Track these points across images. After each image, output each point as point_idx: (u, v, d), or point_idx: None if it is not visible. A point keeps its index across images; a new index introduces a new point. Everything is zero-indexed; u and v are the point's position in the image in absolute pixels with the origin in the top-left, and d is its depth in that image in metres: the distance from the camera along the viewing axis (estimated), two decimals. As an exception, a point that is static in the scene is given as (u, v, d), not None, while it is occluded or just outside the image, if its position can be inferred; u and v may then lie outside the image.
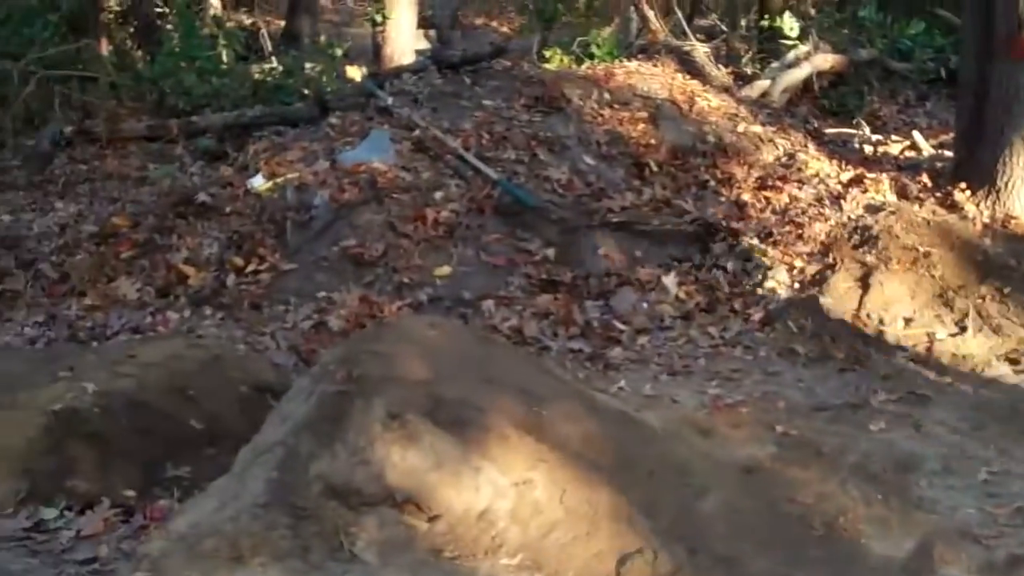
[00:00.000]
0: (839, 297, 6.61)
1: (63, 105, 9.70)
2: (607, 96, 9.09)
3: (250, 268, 6.71)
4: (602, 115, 8.77)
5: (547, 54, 11.78)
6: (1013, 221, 7.40)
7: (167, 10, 12.63)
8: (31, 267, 6.80)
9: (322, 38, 15.25)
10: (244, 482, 3.97)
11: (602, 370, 6.01)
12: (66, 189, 8.19)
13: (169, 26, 12.50)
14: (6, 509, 4.32)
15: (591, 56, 11.29)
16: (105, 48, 11.36)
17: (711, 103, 9.46)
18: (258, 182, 7.46)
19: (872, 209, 7.64)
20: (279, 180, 7.42)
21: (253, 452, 4.13)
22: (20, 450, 4.54)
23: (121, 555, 3.94)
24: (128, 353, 5.18)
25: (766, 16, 12.91)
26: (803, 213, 7.73)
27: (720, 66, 10.83)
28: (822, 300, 6.56)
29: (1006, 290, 6.62)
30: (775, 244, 7.32)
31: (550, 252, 7.01)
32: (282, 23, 17.43)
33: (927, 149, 9.41)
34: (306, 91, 10.43)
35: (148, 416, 4.75)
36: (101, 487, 4.44)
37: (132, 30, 13.63)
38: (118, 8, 13.96)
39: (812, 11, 14.83)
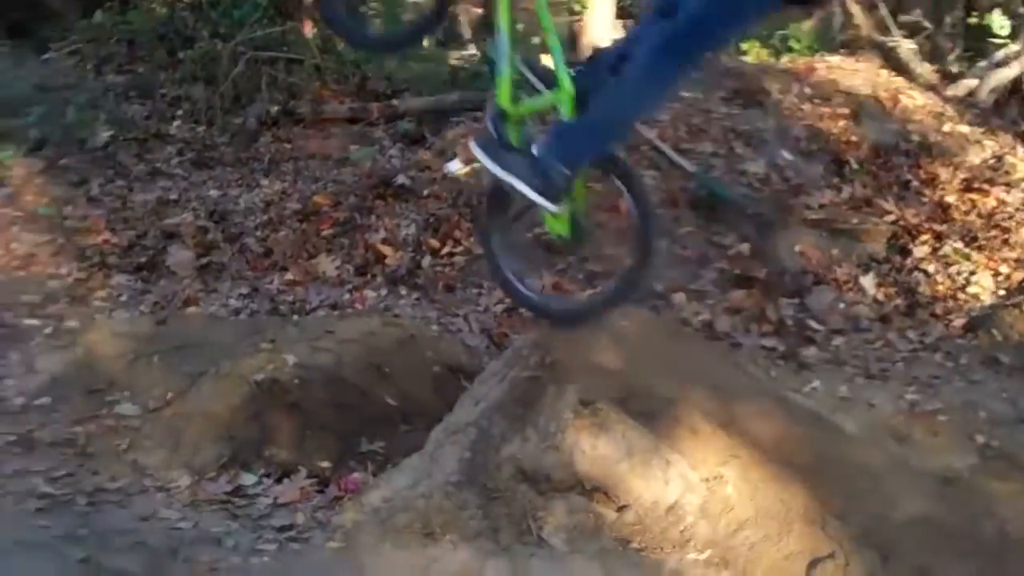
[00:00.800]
0: (1047, 305, 6.35)
1: (269, 86, 9.96)
2: (808, 91, 8.91)
3: (445, 250, 6.80)
4: (802, 110, 8.60)
5: (744, 47, 11.61)
6: None
7: (370, -5, 12.90)
8: (237, 241, 7.02)
9: (519, 26, 15.34)
10: (436, 460, 4.04)
11: (795, 370, 5.90)
12: (271, 167, 8.41)
13: (371, 11, 12.75)
14: (208, 473, 4.50)
15: (790, 50, 11.08)
16: (310, 31, 11.63)
17: (916, 101, 9.17)
18: (455, 166, 7.55)
19: (1086, 215, 7.33)
20: (476, 165, 7.50)
21: (445, 431, 4.19)
22: (223, 417, 4.72)
23: (316, 524, 4.05)
24: (327, 328, 5.32)
25: (973, 13, 12.46)
26: (1010, 218, 7.46)
27: (925, 63, 10.49)
28: (1028, 308, 6.32)
29: None
30: (980, 249, 7.09)
31: (744, 247, 6.89)
32: (480, 11, 17.59)
33: None
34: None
35: (345, 390, 4.88)
36: (298, 457, 4.59)
37: (336, 14, 13.92)
38: (323, -8, 14.29)
39: (1023, 9, 14.25)
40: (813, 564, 3.57)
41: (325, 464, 4.55)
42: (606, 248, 6.79)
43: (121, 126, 8.57)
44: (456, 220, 7.01)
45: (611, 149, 4.12)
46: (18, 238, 7.11)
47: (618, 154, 4.28)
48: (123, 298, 6.41)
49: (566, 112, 4.05)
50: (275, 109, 9.50)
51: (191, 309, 6.16)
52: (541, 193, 3.95)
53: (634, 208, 4.05)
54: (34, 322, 6.09)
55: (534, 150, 4.00)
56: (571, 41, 13.96)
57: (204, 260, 6.84)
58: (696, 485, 3.73)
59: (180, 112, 9.07)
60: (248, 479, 4.44)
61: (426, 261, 6.74)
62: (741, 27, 4.17)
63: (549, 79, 4.13)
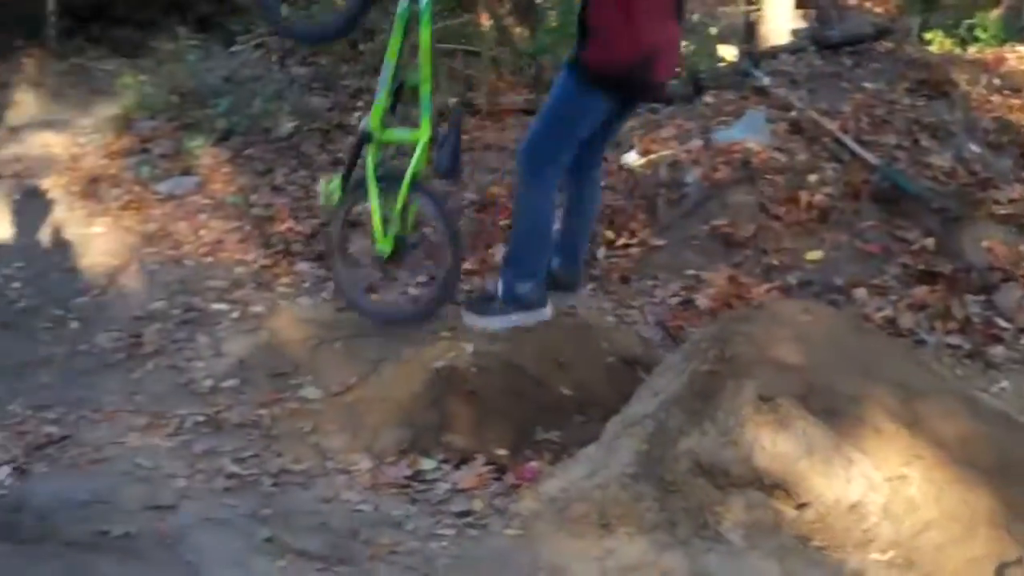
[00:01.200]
0: None
1: (447, 78, 10.08)
2: (997, 82, 8.62)
3: (621, 242, 6.78)
4: (991, 101, 8.31)
5: (927, 37, 11.30)
6: None
7: (546, -13, 12.90)
8: (416, 231, 7.11)
9: (695, 17, 15.20)
10: (613, 451, 4.05)
11: (982, 369, 5.72)
12: (450, 157, 8.51)
13: (546, 3, 12.77)
14: (389, 457, 4.60)
15: (976, 40, 10.75)
16: (487, 23, 11.73)
17: (1113, 92, 8.79)
18: (632, 158, 7.53)
19: None
20: (653, 157, 7.47)
21: (622, 423, 4.20)
22: (404, 403, 4.82)
23: (493, 511, 4.09)
24: (504, 318, 5.36)
25: None
26: None
27: (1122, 53, 10.04)
28: None
29: None
30: None
31: (929, 242, 6.69)
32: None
33: None
34: (679, 69, 10.41)
35: (521, 379, 4.92)
36: (475, 444, 4.64)
37: (512, 6, 14.02)
38: (500, -16, 14.39)
39: None
40: (1001, 569, 3.46)
41: (502, 452, 4.59)
42: (785, 242, 6.72)
43: (304, 117, 8.78)
44: (632, 212, 6.99)
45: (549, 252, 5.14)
46: (207, 225, 7.37)
47: (434, 188, 5.69)
48: (306, 285, 6.58)
49: (418, 153, 5.32)
50: (453, 100, 9.61)
51: (372, 296, 6.29)
52: (530, 309, 4.97)
53: (444, 228, 5.45)
54: (221, 307, 6.31)
55: (498, 292, 4.99)
56: (748, 30, 13.77)
57: (384, 249, 6.96)
58: (879, 485, 3.66)
59: (361, 104, 9.22)
60: (427, 464, 4.52)
61: (601, 252, 6.74)
62: (588, 129, 4.83)
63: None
